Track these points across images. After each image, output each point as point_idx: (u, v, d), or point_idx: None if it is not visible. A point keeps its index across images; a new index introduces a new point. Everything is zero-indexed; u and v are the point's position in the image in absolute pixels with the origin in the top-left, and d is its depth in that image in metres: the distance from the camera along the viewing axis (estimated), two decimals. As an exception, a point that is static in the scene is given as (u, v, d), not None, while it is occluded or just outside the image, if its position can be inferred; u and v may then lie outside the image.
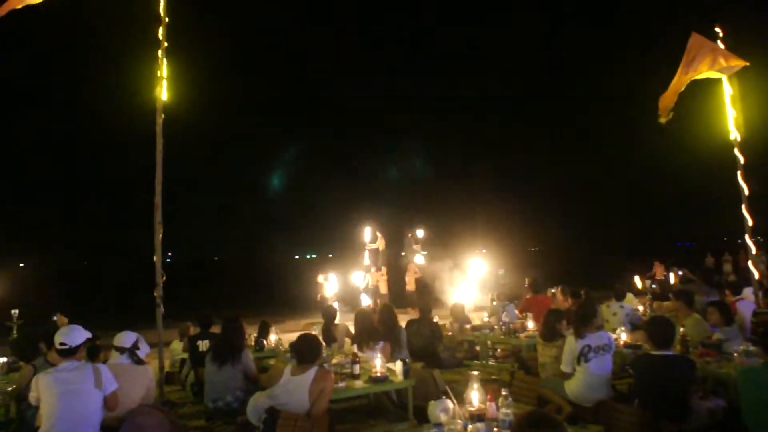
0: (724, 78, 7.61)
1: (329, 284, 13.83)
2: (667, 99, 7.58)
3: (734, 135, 7.56)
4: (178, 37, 7.06)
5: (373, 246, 15.62)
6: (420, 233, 16.21)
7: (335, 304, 8.15)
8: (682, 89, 7.53)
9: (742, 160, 7.53)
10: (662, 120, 7.75)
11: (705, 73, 7.43)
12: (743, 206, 7.44)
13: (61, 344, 4.13)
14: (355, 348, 6.31)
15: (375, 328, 6.57)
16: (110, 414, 4.19)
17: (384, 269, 15.31)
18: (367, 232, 15.60)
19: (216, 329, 6.68)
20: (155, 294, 6.57)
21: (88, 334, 4.37)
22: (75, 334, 4.20)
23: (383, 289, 15.10)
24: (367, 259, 15.44)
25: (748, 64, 7.35)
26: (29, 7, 6.12)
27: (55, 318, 8.13)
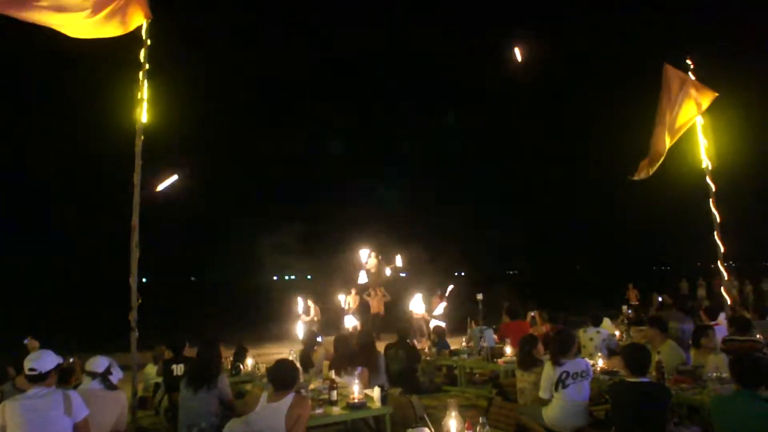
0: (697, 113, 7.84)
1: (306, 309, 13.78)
2: (653, 158, 7.82)
3: (706, 163, 7.76)
4: (159, 59, 7.08)
5: (367, 267, 15.29)
6: (383, 259, 15.73)
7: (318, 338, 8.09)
8: (665, 150, 7.76)
9: (713, 187, 7.72)
10: (633, 177, 8.00)
11: (684, 120, 7.68)
12: (715, 233, 7.61)
13: (31, 369, 4.02)
14: (332, 373, 6.25)
15: (354, 353, 6.53)
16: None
17: (379, 290, 15.06)
18: (363, 254, 15.24)
19: (191, 353, 6.58)
20: (130, 317, 6.47)
21: (59, 360, 4.27)
22: (45, 360, 4.10)
23: (375, 308, 14.92)
24: (363, 278, 15.11)
25: (717, 94, 7.60)
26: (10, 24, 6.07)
27: (26, 341, 7.92)
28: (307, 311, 14.24)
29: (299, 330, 12.33)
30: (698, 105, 7.57)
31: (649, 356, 4.60)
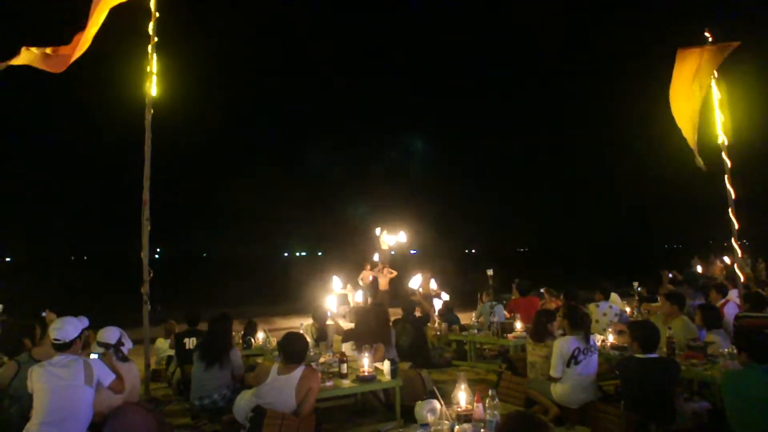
0: (713, 82, 7.63)
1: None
2: (688, 135, 7.46)
3: (722, 139, 7.60)
4: (168, 32, 7.01)
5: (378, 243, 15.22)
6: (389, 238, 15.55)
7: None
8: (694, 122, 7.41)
9: (729, 164, 7.57)
10: (701, 165, 7.50)
11: (701, 80, 7.29)
12: (730, 210, 7.49)
13: (55, 340, 4.10)
14: (343, 347, 6.28)
15: (372, 328, 6.48)
16: (110, 402, 4.24)
17: (385, 267, 15.04)
18: (379, 232, 15.14)
19: (203, 326, 6.64)
20: (142, 291, 6.52)
21: (82, 325, 4.32)
22: (68, 329, 4.15)
23: (382, 285, 14.94)
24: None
25: (739, 43, 7.32)
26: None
27: (44, 314, 8.02)
28: (342, 287, 14.47)
29: (332, 304, 12.52)
30: (716, 60, 7.27)
31: (659, 334, 4.59)
